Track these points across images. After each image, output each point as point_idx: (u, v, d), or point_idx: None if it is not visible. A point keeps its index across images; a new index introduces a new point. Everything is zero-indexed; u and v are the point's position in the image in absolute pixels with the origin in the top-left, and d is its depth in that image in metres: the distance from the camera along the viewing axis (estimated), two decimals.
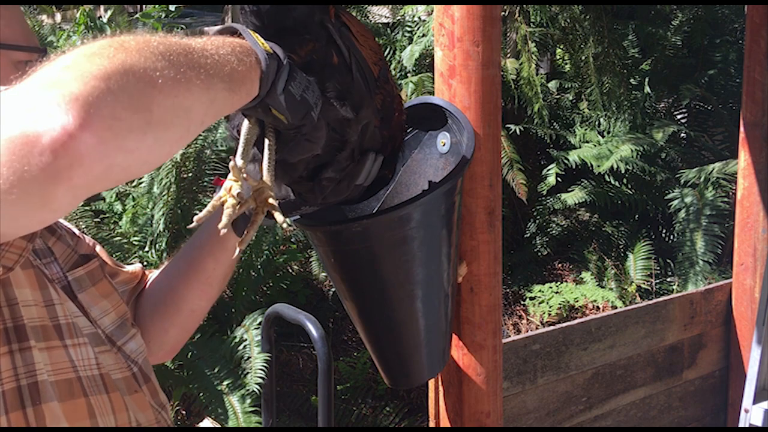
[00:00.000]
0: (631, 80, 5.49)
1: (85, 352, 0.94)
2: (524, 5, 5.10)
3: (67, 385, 0.90)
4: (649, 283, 4.67)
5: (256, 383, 3.21)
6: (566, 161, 4.92)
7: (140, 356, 1.07)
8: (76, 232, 1.11)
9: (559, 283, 4.78)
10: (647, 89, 5.38)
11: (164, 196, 4.09)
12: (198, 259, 1.19)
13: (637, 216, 5.13)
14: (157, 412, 1.05)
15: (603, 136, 5.28)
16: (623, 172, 4.91)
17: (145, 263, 4.30)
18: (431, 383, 1.60)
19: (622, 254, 4.94)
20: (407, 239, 1.19)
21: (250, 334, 3.62)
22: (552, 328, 2.14)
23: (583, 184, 5.07)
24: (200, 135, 4.21)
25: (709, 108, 5.52)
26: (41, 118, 0.62)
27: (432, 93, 1.52)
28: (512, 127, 4.96)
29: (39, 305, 0.90)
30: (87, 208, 4.11)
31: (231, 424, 3.30)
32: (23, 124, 0.62)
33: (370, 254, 1.19)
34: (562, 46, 5.86)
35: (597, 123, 5.42)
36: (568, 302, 4.56)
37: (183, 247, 1.24)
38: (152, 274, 1.25)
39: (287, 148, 0.94)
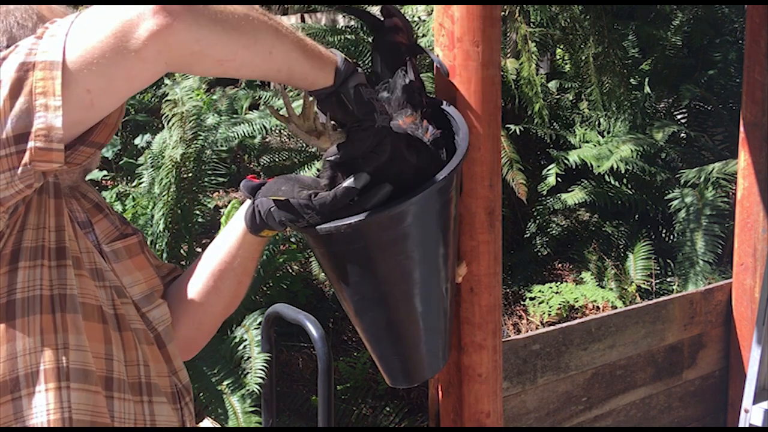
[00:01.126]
0: (631, 80, 5.49)
1: (106, 294, 1.09)
2: (524, 5, 5.10)
3: (90, 308, 1.05)
4: (649, 283, 4.67)
5: (256, 383, 3.21)
6: (566, 161, 4.92)
7: (161, 324, 1.17)
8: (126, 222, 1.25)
9: (559, 283, 4.78)
10: (647, 89, 5.38)
11: (164, 196, 4.08)
12: (211, 252, 1.26)
13: (637, 216, 5.12)
14: (171, 372, 1.16)
15: (603, 136, 5.28)
16: (623, 172, 4.91)
17: None
18: (431, 383, 1.60)
19: (622, 254, 4.94)
20: (402, 238, 1.18)
21: (250, 334, 3.62)
22: (552, 328, 2.14)
23: (583, 184, 5.07)
24: (200, 135, 4.21)
25: (709, 108, 5.51)
26: None
27: (432, 93, 1.52)
28: (512, 127, 4.95)
29: (76, 242, 1.07)
30: None
31: (231, 424, 3.30)
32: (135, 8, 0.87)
33: (365, 254, 1.19)
34: (562, 46, 5.85)
35: (597, 123, 5.42)
36: (568, 302, 4.56)
37: None
38: None
39: (351, 144, 1.10)
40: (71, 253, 1.05)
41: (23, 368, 0.99)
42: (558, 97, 5.66)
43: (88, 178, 4.94)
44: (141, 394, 1.09)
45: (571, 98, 5.68)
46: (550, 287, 4.71)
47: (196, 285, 1.26)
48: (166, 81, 4.38)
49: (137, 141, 5.12)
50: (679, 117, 5.66)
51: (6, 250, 1.00)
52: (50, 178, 1.05)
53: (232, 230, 1.24)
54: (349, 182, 1.12)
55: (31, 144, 0.89)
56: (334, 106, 1.08)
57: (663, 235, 5.11)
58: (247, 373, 3.33)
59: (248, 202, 1.21)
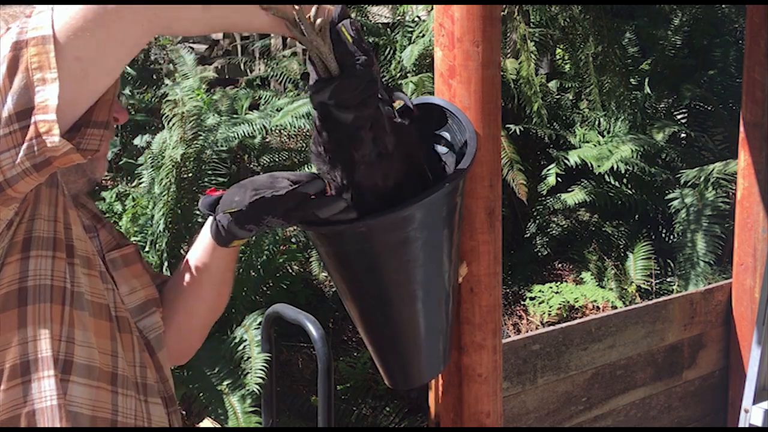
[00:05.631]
0: (631, 80, 5.49)
1: (113, 295, 1.13)
2: (524, 5, 5.10)
3: (99, 307, 1.08)
4: (649, 283, 4.67)
5: (256, 383, 3.20)
6: (566, 161, 4.91)
7: (152, 332, 1.21)
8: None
9: (559, 283, 4.78)
10: (647, 89, 5.38)
11: (164, 196, 4.08)
12: (189, 263, 1.27)
13: (637, 216, 5.12)
14: (161, 380, 1.20)
15: (603, 136, 5.28)
16: (623, 172, 4.90)
17: None
18: (431, 383, 1.60)
19: (622, 254, 4.94)
20: (409, 240, 1.19)
21: (250, 334, 3.62)
22: (552, 328, 2.14)
23: (583, 184, 5.07)
24: (200, 135, 4.21)
25: (709, 108, 5.51)
26: None
27: (432, 93, 1.52)
28: (512, 127, 4.95)
29: (86, 243, 1.10)
30: None
31: (231, 424, 3.30)
32: None
33: (372, 254, 1.19)
34: (562, 46, 5.85)
35: (597, 123, 5.41)
36: (568, 302, 4.56)
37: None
38: None
39: (348, 79, 1.02)
40: (80, 252, 1.08)
41: (33, 353, 1.01)
42: (558, 97, 5.66)
43: None
44: (139, 393, 1.13)
45: (571, 98, 5.67)
46: (550, 287, 4.71)
47: (180, 293, 1.28)
48: (167, 81, 4.38)
49: (137, 141, 5.11)
50: (679, 117, 5.66)
51: (17, 238, 1.02)
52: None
53: (203, 244, 1.24)
54: (305, 187, 1.12)
55: (33, 118, 0.89)
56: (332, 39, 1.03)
57: (663, 235, 5.11)
58: (247, 373, 3.33)
59: (211, 218, 1.21)
